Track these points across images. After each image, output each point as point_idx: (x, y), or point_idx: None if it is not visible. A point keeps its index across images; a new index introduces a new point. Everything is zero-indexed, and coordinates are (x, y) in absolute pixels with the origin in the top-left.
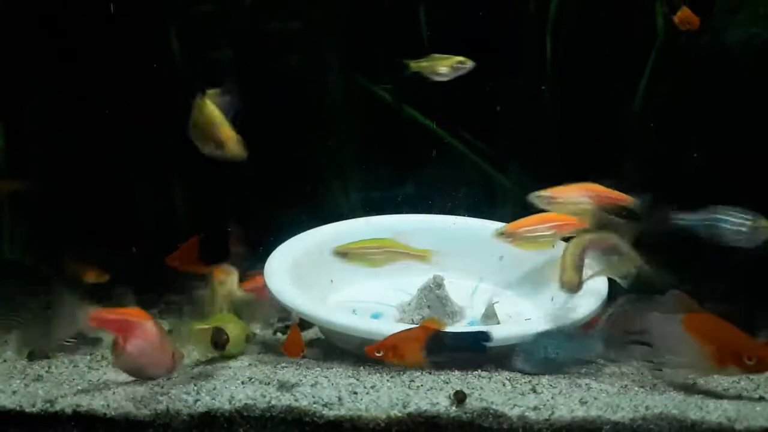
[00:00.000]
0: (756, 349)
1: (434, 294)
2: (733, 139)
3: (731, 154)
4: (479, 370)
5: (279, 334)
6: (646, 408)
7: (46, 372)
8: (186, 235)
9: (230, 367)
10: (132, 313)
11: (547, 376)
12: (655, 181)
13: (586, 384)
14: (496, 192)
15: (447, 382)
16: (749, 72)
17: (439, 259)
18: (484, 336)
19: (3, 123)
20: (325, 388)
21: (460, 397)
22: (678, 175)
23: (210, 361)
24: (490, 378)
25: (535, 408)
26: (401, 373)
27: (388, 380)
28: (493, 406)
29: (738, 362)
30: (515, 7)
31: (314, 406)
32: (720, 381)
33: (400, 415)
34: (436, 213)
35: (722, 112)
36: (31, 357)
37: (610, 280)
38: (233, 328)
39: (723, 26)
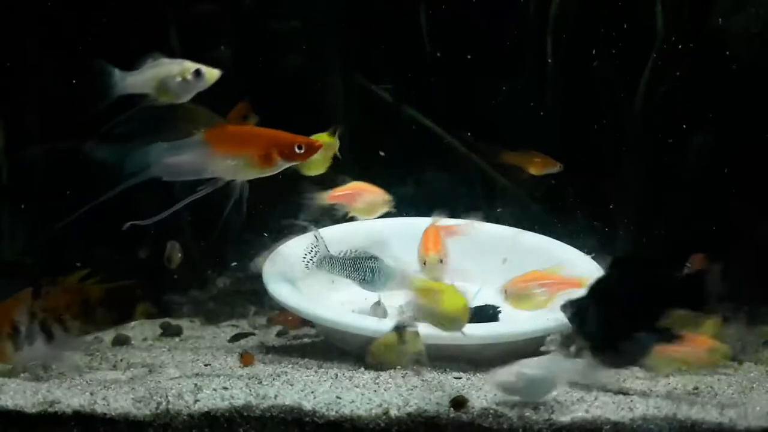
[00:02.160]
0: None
1: None
2: (732, 139)
3: (731, 154)
4: (479, 371)
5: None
6: (646, 408)
7: (46, 372)
8: (186, 235)
9: (231, 368)
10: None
11: None
12: (654, 181)
13: (587, 384)
14: (496, 192)
15: (448, 382)
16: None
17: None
18: None
19: (3, 123)
20: (324, 388)
21: (458, 401)
22: (678, 175)
23: None
24: (489, 378)
25: (535, 408)
26: (402, 373)
27: (388, 380)
28: (493, 406)
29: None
30: (515, 7)
31: (314, 406)
32: (720, 381)
33: (400, 415)
34: (437, 214)
35: (723, 111)
36: None
37: None
38: None
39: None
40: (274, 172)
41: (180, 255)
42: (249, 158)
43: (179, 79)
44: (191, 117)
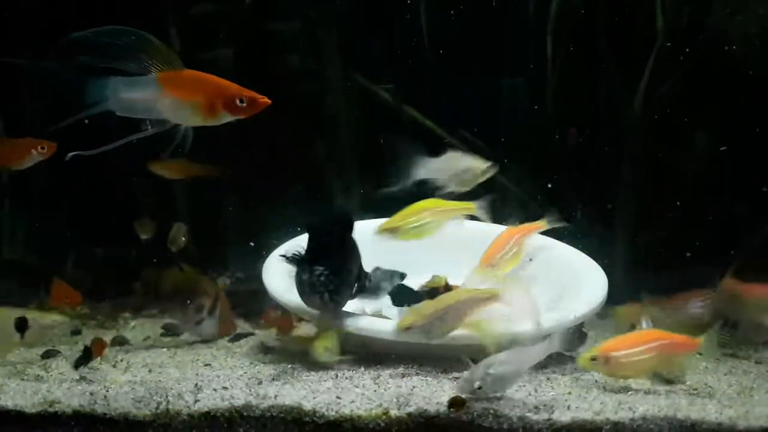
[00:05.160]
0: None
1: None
2: (732, 140)
3: (731, 155)
4: None
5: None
6: (646, 408)
7: (46, 372)
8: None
9: (230, 367)
10: None
11: (548, 376)
12: (654, 181)
13: (587, 384)
14: (496, 192)
15: (448, 382)
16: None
17: (484, 209)
18: None
19: (3, 123)
20: (324, 388)
21: (456, 401)
22: (677, 176)
23: None
24: None
25: (535, 408)
26: (402, 374)
27: (388, 380)
28: (493, 406)
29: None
30: (515, 7)
31: (314, 406)
32: (720, 381)
33: (400, 415)
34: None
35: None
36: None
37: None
38: None
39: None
40: (218, 123)
41: (184, 239)
42: (194, 105)
43: (472, 173)
44: (151, 52)
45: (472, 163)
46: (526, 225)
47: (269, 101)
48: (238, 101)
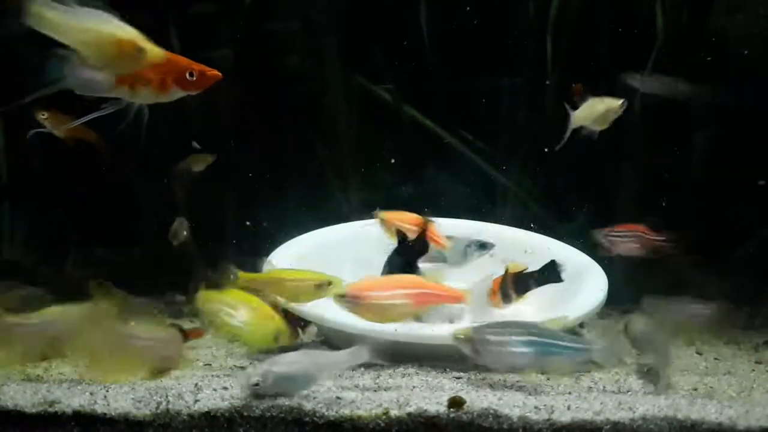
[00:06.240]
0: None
1: None
2: (731, 140)
3: (731, 155)
4: (479, 371)
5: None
6: (646, 408)
7: (46, 372)
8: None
9: (230, 367)
10: None
11: (548, 376)
12: (653, 183)
13: (587, 384)
14: (496, 192)
15: (448, 382)
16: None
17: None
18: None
19: (3, 123)
20: (324, 388)
21: (456, 401)
22: (676, 176)
23: None
24: (490, 377)
25: (535, 408)
26: (402, 374)
27: (388, 380)
28: (493, 406)
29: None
30: (515, 7)
31: (314, 406)
32: (720, 381)
33: (400, 415)
34: (436, 214)
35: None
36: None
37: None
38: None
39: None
40: (170, 100)
41: (186, 233)
42: (147, 81)
43: (614, 112)
44: None
45: (610, 104)
46: None
47: (220, 75)
48: (187, 75)
